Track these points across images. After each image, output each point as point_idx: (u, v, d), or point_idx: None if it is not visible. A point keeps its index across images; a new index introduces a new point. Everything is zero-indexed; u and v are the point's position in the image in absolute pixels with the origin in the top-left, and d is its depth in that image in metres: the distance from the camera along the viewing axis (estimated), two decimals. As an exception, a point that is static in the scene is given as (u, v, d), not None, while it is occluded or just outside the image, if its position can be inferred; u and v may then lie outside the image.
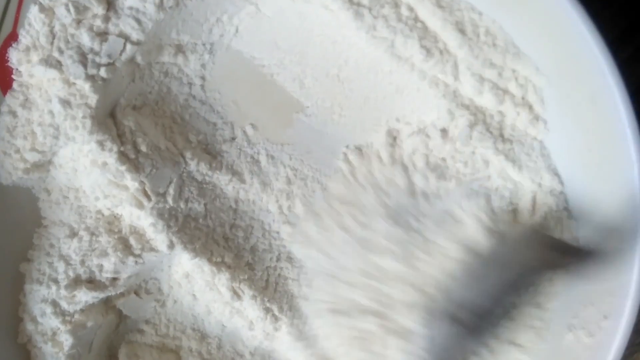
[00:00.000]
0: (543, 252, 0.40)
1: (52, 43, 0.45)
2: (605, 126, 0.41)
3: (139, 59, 0.48)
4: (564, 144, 0.45)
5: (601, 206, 0.43)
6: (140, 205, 0.47)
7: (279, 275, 0.51)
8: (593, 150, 0.43)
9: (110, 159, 0.47)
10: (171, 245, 0.48)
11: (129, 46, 0.47)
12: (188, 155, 0.49)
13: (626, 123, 0.39)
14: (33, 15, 0.45)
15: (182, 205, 0.49)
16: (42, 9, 0.45)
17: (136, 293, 0.51)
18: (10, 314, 0.49)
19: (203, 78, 0.51)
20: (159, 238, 0.48)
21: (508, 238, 0.39)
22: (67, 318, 0.48)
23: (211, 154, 0.51)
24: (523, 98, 0.46)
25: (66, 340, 0.48)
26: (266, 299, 0.49)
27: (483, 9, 0.45)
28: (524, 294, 0.42)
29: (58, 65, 0.45)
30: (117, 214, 0.49)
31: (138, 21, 0.46)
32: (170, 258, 0.50)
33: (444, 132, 0.47)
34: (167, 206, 0.48)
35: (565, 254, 0.41)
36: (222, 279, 0.49)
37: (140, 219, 0.48)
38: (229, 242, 0.50)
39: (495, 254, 0.38)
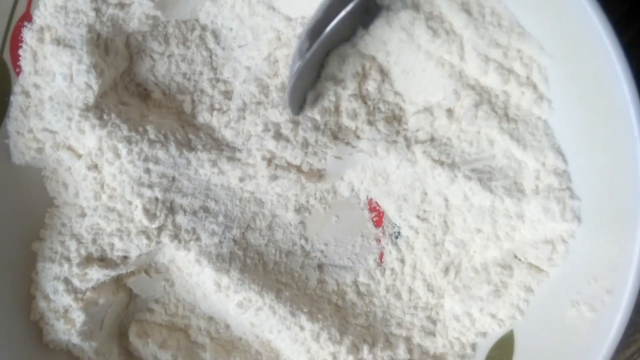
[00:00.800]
0: None
1: (65, 23, 0.46)
2: (609, 104, 0.41)
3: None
4: (567, 123, 0.45)
5: (604, 184, 0.44)
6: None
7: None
8: (597, 128, 0.43)
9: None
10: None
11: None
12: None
13: (629, 100, 0.39)
14: (47, -5, 0.46)
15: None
16: (56, -11, 0.46)
17: (146, 272, 0.52)
18: (22, 292, 0.50)
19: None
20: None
21: None
22: (79, 295, 0.49)
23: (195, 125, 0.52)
24: (528, 77, 0.46)
25: (78, 317, 0.49)
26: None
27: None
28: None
29: (70, 45, 0.46)
30: (129, 200, 0.49)
31: None
32: None
33: (449, 112, 0.48)
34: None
35: None
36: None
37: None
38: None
39: None
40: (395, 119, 0.50)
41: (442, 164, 0.48)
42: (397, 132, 0.50)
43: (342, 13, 0.40)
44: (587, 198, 0.45)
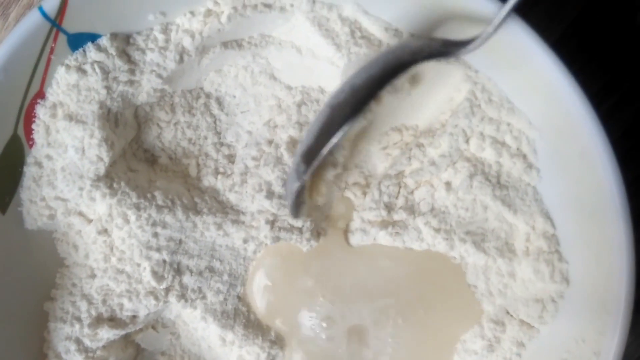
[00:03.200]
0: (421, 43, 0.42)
1: (77, 100, 0.48)
2: (593, 178, 0.44)
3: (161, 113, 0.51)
4: (555, 191, 0.48)
5: (591, 250, 0.46)
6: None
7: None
8: (582, 198, 0.46)
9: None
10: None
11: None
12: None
13: (612, 178, 0.42)
14: (60, 75, 0.48)
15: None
16: (69, 69, 0.48)
17: (153, 327, 0.54)
18: (35, 350, 0.51)
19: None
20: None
21: None
22: (90, 354, 0.51)
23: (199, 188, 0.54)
24: (518, 149, 0.49)
25: (90, 375, 0.50)
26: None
27: (479, 67, 0.48)
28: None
29: (82, 120, 0.48)
30: (138, 263, 0.51)
31: (159, 76, 0.49)
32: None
33: (447, 184, 0.50)
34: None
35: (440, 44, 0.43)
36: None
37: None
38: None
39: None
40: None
41: (440, 231, 0.50)
42: (402, 208, 0.52)
43: (334, 140, 0.40)
44: (575, 262, 0.48)
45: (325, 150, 0.40)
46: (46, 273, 0.52)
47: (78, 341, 0.51)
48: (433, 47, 0.42)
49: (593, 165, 0.43)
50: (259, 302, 0.53)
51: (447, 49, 0.42)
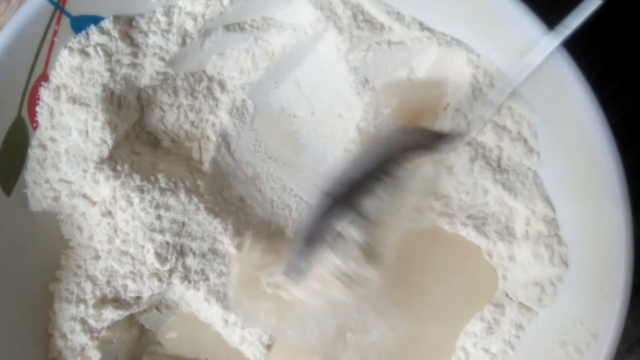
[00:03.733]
0: (407, 136, 0.47)
1: (80, 83, 0.48)
2: (593, 163, 0.44)
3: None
4: (555, 175, 0.48)
5: (589, 234, 0.46)
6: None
7: None
8: (582, 182, 0.46)
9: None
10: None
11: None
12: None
13: (612, 164, 0.42)
14: (63, 57, 0.48)
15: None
16: (72, 52, 0.48)
17: (157, 308, 0.55)
18: (40, 330, 0.52)
19: None
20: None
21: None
22: (95, 334, 0.51)
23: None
24: (519, 133, 0.49)
25: (94, 355, 0.51)
26: None
27: (481, 52, 0.48)
28: (388, 170, 0.46)
29: (85, 103, 0.48)
30: (142, 245, 0.52)
31: (162, 58, 0.50)
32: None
33: (449, 168, 0.51)
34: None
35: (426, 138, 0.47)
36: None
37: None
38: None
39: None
40: None
41: (442, 215, 0.51)
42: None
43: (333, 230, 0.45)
44: (575, 245, 0.48)
45: (327, 236, 0.46)
46: (51, 254, 0.53)
47: (83, 321, 0.51)
48: (420, 141, 0.46)
49: (593, 150, 0.44)
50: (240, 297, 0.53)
51: (433, 143, 0.46)
